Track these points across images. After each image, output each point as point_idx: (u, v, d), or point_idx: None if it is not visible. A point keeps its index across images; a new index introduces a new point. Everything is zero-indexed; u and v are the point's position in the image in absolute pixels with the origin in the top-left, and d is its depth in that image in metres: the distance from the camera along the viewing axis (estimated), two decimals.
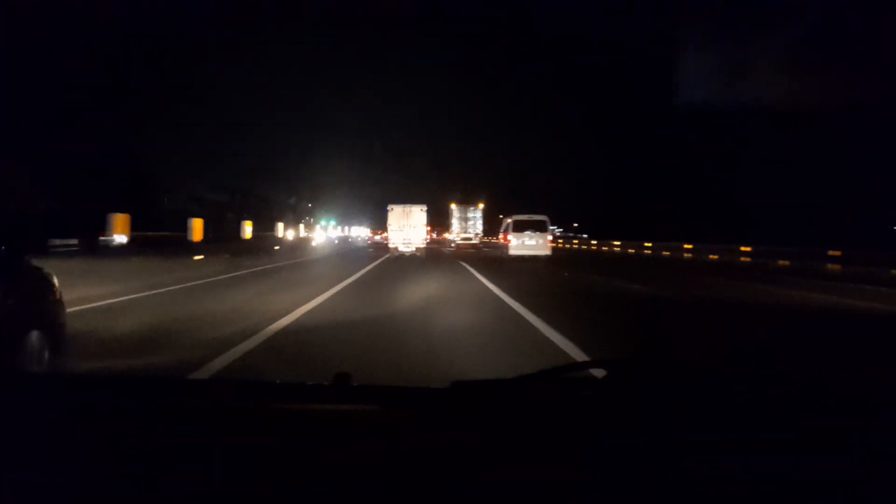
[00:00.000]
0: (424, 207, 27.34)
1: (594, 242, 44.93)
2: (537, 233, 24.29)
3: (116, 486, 0.92)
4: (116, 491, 0.91)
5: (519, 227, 24.46)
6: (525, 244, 24.12)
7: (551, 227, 26.29)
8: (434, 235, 54.32)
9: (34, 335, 4.00)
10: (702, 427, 1.12)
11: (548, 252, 24.31)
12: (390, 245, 27.04)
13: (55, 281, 4.43)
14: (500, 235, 27.48)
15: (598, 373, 1.40)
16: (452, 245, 41.62)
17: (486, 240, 51.41)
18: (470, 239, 42.19)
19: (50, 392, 1.34)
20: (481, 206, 44.49)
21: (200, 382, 1.51)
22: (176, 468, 0.97)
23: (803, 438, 1.07)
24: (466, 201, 45.22)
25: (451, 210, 44.11)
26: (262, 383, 1.55)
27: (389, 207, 27.59)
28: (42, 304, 4.24)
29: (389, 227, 27.42)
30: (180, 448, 1.03)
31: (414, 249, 26.21)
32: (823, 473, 0.96)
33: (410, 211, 27.18)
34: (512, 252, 24.03)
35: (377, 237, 62.26)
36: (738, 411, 1.17)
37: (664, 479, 0.94)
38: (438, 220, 56.70)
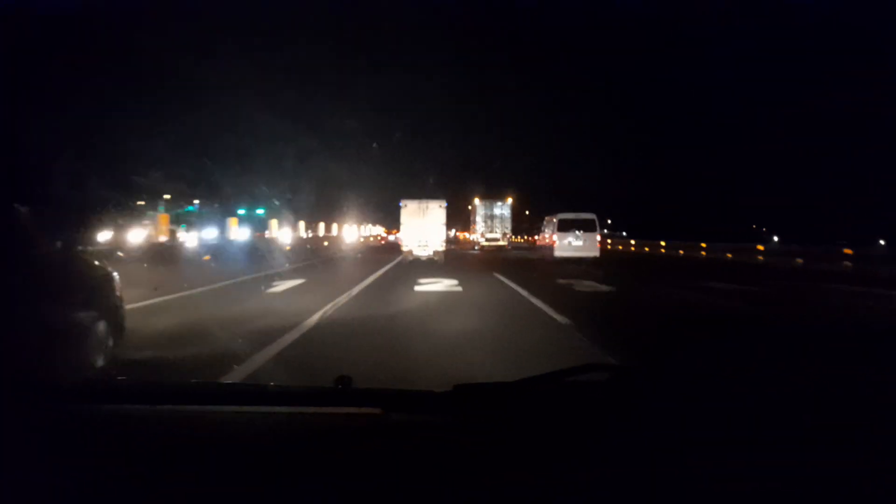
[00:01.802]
0: (444, 203, 24.51)
1: (633, 242, 41.56)
2: (585, 232, 24.18)
3: (122, 488, 0.99)
4: (123, 491, 0.99)
5: (565, 227, 24.39)
6: (571, 244, 24.02)
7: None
8: (452, 235, 48.06)
9: (100, 325, 4.76)
10: (704, 426, 1.18)
11: (596, 253, 23.97)
12: (403, 247, 24.13)
13: (116, 277, 5.19)
14: (545, 235, 26.83)
15: (601, 376, 1.45)
16: (476, 248, 37.72)
17: (516, 240, 46.14)
18: (497, 240, 38.04)
19: (56, 397, 1.43)
20: (510, 200, 39.47)
21: (203, 385, 1.66)
22: (178, 470, 1.04)
23: (806, 436, 1.13)
24: (492, 195, 40.03)
25: (475, 206, 39.15)
26: (265, 387, 1.61)
27: (402, 203, 24.53)
28: (106, 298, 5.01)
29: (402, 227, 24.60)
30: (183, 450, 1.11)
31: (431, 253, 23.51)
32: (827, 471, 1.01)
33: (427, 207, 24.28)
34: (557, 253, 24.02)
35: (391, 237, 56.90)
36: (741, 411, 1.23)
37: (669, 479, 0.99)
38: (458, 218, 50.80)
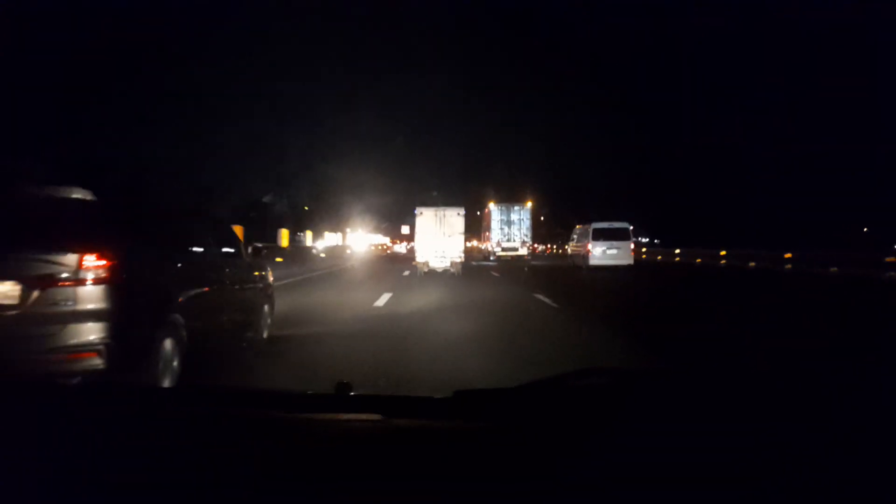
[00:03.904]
0: (462, 211, 24.18)
1: (678, 251, 37.20)
2: (619, 241, 26.11)
3: (120, 491, 1.05)
4: (120, 494, 1.04)
5: (599, 236, 26.27)
6: (607, 253, 25.92)
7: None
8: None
9: (266, 308, 6.33)
10: (698, 428, 1.24)
11: (630, 261, 25.90)
12: (418, 259, 23.51)
13: (270, 270, 6.70)
14: (580, 244, 27.95)
15: (602, 381, 1.53)
16: (492, 258, 35.11)
17: (537, 249, 41.98)
18: (515, 249, 35.08)
19: (56, 396, 1.52)
20: (529, 204, 36.87)
21: (201, 389, 1.69)
22: (174, 474, 1.09)
23: (812, 439, 1.18)
24: (509, 199, 37.88)
25: (489, 211, 36.56)
26: (263, 392, 1.70)
27: (418, 211, 24.16)
28: (267, 287, 6.52)
29: (417, 236, 24.23)
30: (179, 454, 1.16)
31: (448, 264, 23.05)
32: (829, 472, 1.07)
33: (444, 215, 23.75)
34: (593, 262, 25.91)
35: (396, 247, 55.65)
36: (743, 414, 1.30)
37: (672, 483, 1.04)
38: (470, 226, 46.88)
